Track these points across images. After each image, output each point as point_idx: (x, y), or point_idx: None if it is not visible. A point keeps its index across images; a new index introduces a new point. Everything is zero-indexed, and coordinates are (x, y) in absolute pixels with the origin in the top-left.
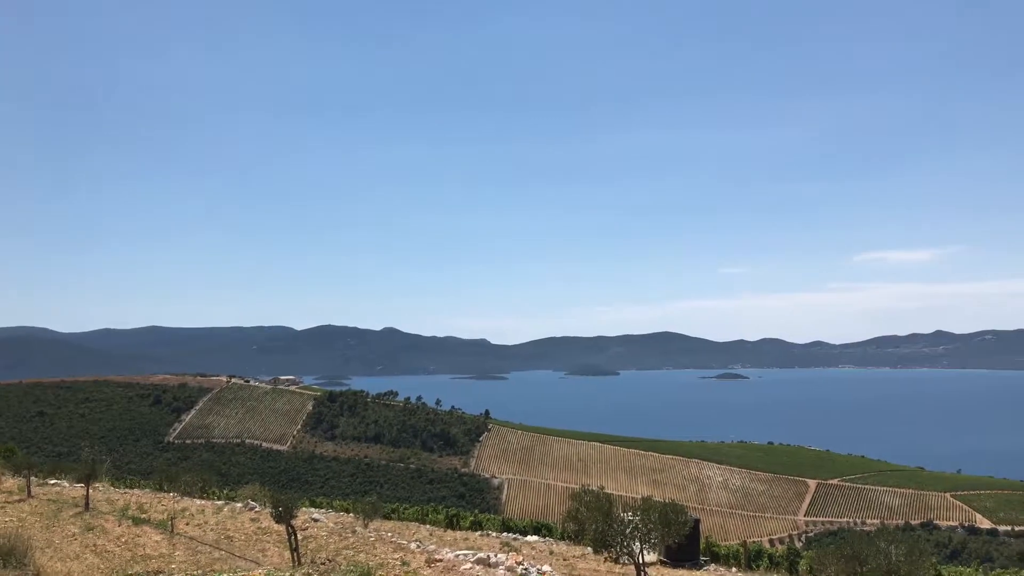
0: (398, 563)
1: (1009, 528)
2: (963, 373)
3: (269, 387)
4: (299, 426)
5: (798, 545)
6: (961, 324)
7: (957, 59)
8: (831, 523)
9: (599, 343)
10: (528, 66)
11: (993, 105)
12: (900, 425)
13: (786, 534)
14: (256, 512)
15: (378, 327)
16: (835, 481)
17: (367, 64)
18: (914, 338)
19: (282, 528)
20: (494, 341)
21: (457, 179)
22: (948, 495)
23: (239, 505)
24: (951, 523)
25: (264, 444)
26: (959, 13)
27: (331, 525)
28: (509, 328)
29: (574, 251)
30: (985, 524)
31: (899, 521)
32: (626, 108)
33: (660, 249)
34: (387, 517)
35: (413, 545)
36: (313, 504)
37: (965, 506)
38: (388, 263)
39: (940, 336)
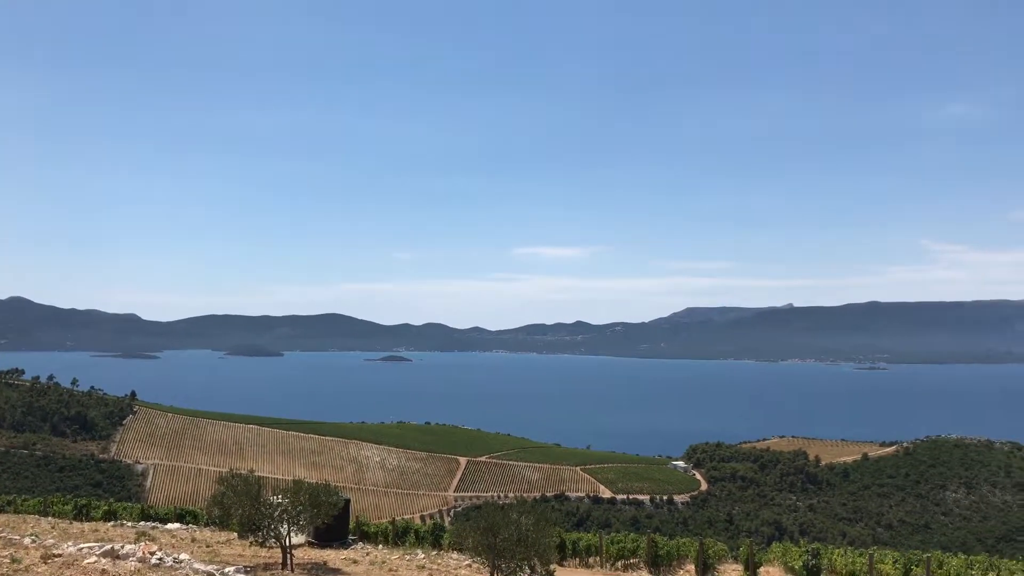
0: (7, 560)
1: (625, 496)
2: (596, 359)
3: None
4: None
5: (447, 520)
6: (598, 316)
7: (613, 76)
8: (478, 497)
9: (264, 323)
10: (196, 28)
11: (633, 123)
12: (541, 405)
13: (437, 510)
14: None
15: (3, 296)
16: (484, 458)
17: None
18: (558, 327)
19: None
20: (145, 316)
21: (100, 133)
22: (579, 469)
23: None
24: (580, 494)
25: None
26: (619, 36)
27: None
28: (163, 303)
29: (240, 226)
30: (607, 494)
31: (537, 494)
32: (290, 86)
33: (330, 230)
34: (0, 510)
35: (28, 540)
36: None
37: (592, 478)
38: (13, 223)
39: (580, 326)
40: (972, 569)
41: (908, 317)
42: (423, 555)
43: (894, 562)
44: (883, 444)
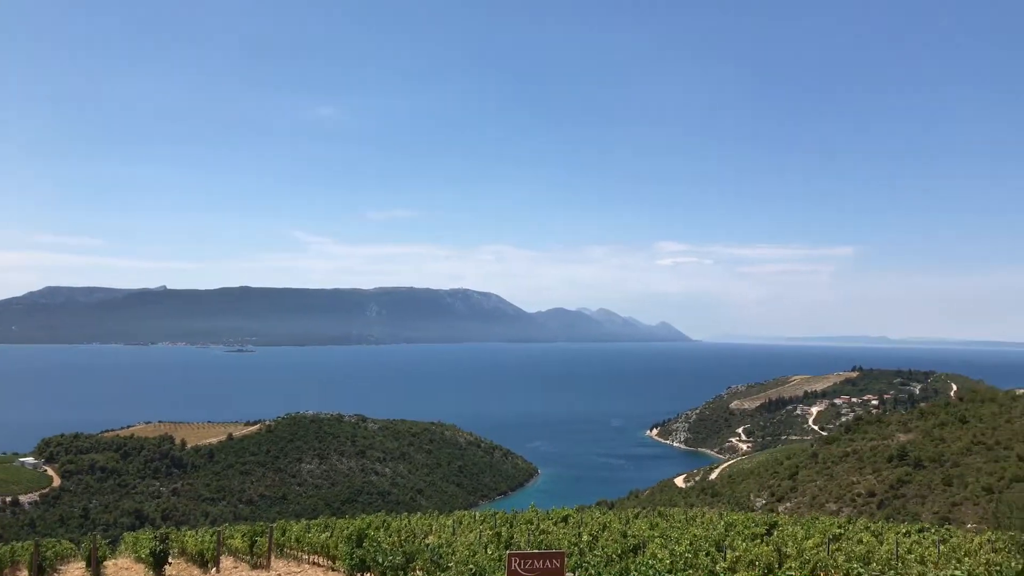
0: None
1: None
2: None
3: None
4: None
5: None
6: None
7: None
8: None
9: None
10: None
11: None
12: None
13: None
14: None
15: None
16: None
17: None
18: None
19: None
20: None
21: None
22: None
23: None
24: None
25: None
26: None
27: None
28: None
29: None
30: None
31: None
32: None
33: None
34: None
35: None
36: None
37: None
38: None
39: None
40: (309, 532)
41: (278, 302)
42: None
43: (243, 535)
44: (248, 423)
